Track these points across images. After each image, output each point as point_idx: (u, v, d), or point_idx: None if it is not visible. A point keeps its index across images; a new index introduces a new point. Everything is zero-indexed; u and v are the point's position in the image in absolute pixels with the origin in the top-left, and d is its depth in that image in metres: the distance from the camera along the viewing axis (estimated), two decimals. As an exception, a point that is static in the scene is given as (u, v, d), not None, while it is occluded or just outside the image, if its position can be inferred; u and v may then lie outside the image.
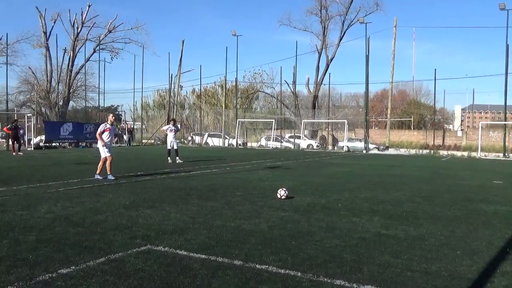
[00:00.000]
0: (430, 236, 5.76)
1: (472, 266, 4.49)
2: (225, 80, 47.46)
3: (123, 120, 49.88)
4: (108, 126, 11.54)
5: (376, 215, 7.13)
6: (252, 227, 6.06)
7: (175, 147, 17.90)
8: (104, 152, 11.40)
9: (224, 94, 48.82)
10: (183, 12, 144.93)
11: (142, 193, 9.01)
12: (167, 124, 20.26)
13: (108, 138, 11.56)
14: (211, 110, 51.75)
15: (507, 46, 31.31)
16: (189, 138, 45.24)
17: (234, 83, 48.16)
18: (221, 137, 41.83)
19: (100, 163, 11.50)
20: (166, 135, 18.67)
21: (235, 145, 39.42)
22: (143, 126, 50.27)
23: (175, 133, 18.15)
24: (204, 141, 42.52)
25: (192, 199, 8.43)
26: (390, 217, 7.01)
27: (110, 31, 47.38)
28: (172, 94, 46.10)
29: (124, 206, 7.48)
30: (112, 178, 11.19)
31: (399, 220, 6.78)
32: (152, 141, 41.78)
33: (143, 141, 41.05)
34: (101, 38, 46.86)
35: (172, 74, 45.00)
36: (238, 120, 41.35)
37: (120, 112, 60.43)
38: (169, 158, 17.81)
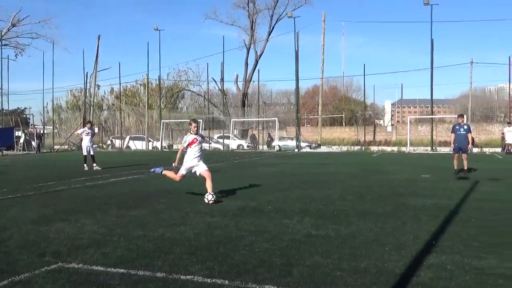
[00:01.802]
0: (360, 234, 6.03)
1: (400, 261, 4.76)
2: (147, 78, 46.53)
3: (31, 124, 47.15)
4: (193, 136, 9.32)
5: (307, 215, 7.33)
6: (177, 236, 6.00)
7: (91, 152, 17.27)
8: (184, 170, 9.37)
9: (146, 93, 47.82)
10: (98, 5, 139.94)
11: (54, 205, 8.57)
12: (83, 127, 19.44)
13: (198, 152, 9.33)
14: (132, 111, 50.46)
15: (432, 40, 33.57)
16: (109, 142, 43.81)
17: (157, 82, 47.36)
18: (144, 140, 40.98)
19: (171, 175, 9.70)
20: (82, 139, 17.98)
21: (160, 148, 38.77)
22: (55, 131, 47.88)
23: (91, 137, 17.54)
24: (125, 145, 41.39)
25: (111, 208, 8.17)
26: (321, 217, 7.24)
27: (14, 25, 44.71)
28: (88, 94, 44.37)
29: (33, 221, 7.07)
30: (212, 200, 8.66)
31: (330, 219, 7.03)
32: (66, 146, 39.96)
33: (55, 147, 39.10)
34: (3, 33, 44.02)
35: (87, 73, 43.36)
36: (162, 121, 40.71)
37: (27, 116, 57.05)
38: (85, 165, 17.14)
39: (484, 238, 5.75)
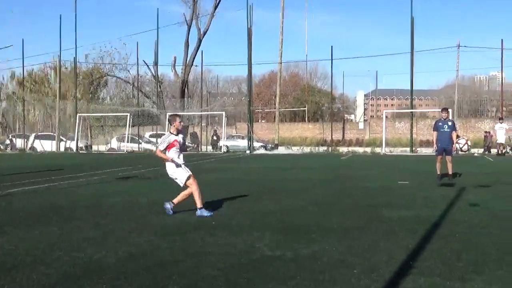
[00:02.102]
0: (324, 254, 6.14)
1: (370, 286, 4.89)
2: (59, 60, 45.45)
3: None
4: (174, 137, 9.00)
5: (260, 232, 7.39)
6: (95, 260, 5.91)
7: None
8: (186, 172, 8.94)
9: (58, 79, 46.65)
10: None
11: None
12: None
13: (179, 157, 9.05)
14: (39, 102, 49.14)
15: (412, 19, 34.61)
16: (7, 141, 42.49)
17: (72, 65, 46.29)
18: (55, 139, 40.04)
19: (187, 192, 9.01)
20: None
21: (75, 150, 37.99)
22: None
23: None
24: (29, 145, 40.31)
25: (11, 227, 7.95)
26: (277, 234, 7.32)
27: None
28: (-21, 80, 42.83)
29: None
30: (208, 215, 8.83)
31: (289, 236, 7.12)
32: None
33: None
34: None
35: (-22, 52, 41.81)
36: (78, 115, 39.87)
37: None
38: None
39: (469, 256, 5.99)
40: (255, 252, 6.25)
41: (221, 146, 36.80)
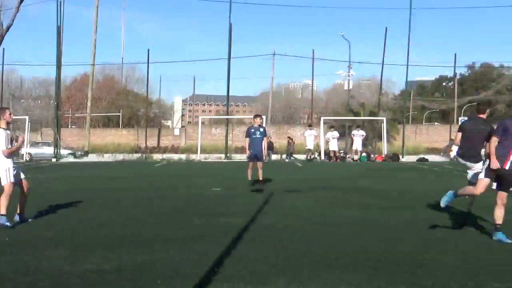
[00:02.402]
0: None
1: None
2: None
3: None
4: (6, 132, 8.79)
5: (59, 248, 7.04)
6: None
7: None
8: (6, 179, 8.62)
9: None
10: None
11: None
12: None
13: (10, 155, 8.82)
14: None
15: (230, 25, 35.82)
16: None
17: None
18: None
19: (3, 198, 8.57)
20: None
21: None
22: None
23: None
24: None
25: None
26: (76, 249, 7.04)
27: None
28: None
29: None
30: (7, 224, 8.46)
31: (85, 252, 6.90)
32: None
33: None
34: None
35: None
36: None
37: None
38: None
39: (274, 260, 6.29)
40: (54, 267, 5.93)
41: (23, 154, 34.49)
